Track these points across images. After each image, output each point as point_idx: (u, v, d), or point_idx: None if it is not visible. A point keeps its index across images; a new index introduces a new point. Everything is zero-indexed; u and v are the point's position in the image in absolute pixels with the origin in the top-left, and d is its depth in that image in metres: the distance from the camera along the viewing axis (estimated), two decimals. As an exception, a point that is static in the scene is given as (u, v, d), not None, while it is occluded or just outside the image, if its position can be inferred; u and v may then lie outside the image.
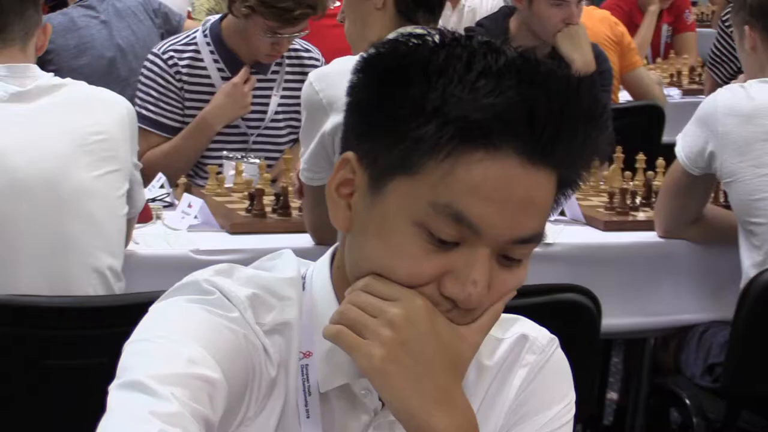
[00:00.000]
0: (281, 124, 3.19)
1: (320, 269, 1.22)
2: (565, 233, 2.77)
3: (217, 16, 3.40)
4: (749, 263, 2.63)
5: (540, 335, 1.38)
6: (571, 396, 1.42)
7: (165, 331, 1.10)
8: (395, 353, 1.12)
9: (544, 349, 1.35)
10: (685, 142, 2.70)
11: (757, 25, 2.69)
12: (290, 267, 1.25)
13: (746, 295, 2.54)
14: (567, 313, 2.42)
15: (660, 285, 2.89)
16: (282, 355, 1.19)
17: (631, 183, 3.07)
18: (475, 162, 1.04)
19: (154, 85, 3.27)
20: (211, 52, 3.21)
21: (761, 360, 2.62)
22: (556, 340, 1.36)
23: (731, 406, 2.65)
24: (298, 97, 2.58)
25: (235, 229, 2.62)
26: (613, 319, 2.59)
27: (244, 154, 3.11)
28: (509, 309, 1.22)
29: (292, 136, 3.18)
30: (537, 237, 1.14)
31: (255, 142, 3.17)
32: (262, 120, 3.14)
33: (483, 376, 1.31)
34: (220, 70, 3.26)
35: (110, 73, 3.80)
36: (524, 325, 1.37)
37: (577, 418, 2.52)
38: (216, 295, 1.16)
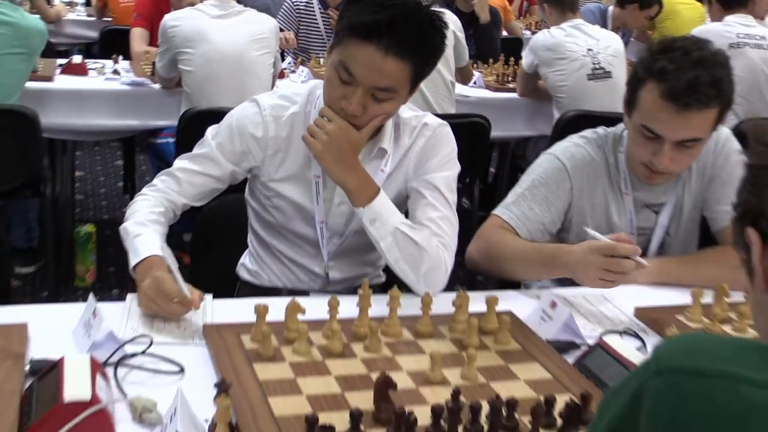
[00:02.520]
0: None
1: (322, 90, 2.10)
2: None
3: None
4: (556, 111, 4.74)
5: (435, 121, 2.22)
6: (454, 153, 2.23)
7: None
8: (327, 146, 2.03)
9: (437, 128, 2.20)
10: (526, 58, 4.86)
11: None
12: (305, 87, 2.24)
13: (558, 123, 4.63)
14: (473, 126, 4.23)
15: (515, 116, 5.08)
16: (293, 124, 2.18)
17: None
18: (355, 45, 1.94)
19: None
20: None
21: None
22: (446, 124, 2.20)
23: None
24: None
25: None
26: (495, 133, 4.48)
27: None
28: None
29: None
30: (392, 90, 2.00)
31: None
32: None
33: (402, 147, 2.21)
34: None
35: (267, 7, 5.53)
36: (427, 117, 2.23)
37: (473, 179, 4.54)
38: (254, 103, 2.20)
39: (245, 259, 2.48)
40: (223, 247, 2.58)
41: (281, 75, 4.82)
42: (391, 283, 2.34)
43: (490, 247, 2.34)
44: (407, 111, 2.26)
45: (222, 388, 1.48)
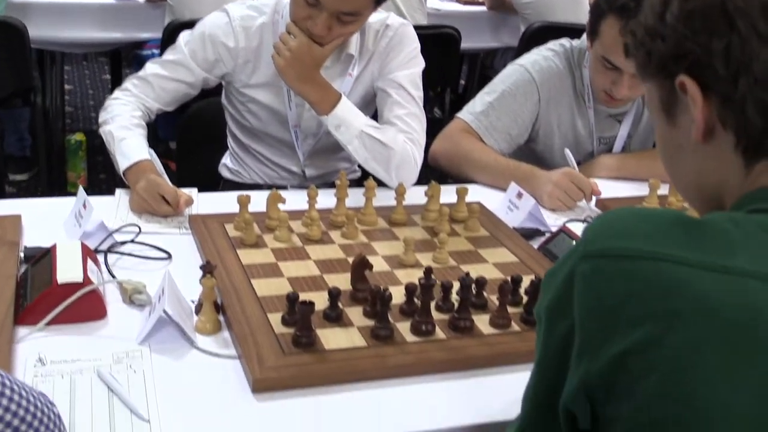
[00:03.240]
0: None
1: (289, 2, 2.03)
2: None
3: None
4: (522, 24, 4.66)
5: (397, 21, 2.16)
6: (417, 50, 2.19)
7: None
8: (290, 62, 1.99)
9: (398, 28, 2.15)
10: None
11: None
12: None
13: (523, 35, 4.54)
14: (445, 37, 4.07)
15: (483, 29, 4.90)
16: (263, 34, 2.12)
17: None
18: None
19: None
20: None
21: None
22: (408, 23, 2.15)
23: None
24: None
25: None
26: (464, 45, 4.31)
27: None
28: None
29: None
30: (357, 14, 1.96)
31: None
32: None
33: (367, 51, 2.16)
34: None
35: None
36: (389, 18, 2.16)
37: (444, 89, 4.53)
38: (224, 13, 2.12)
39: (226, 159, 2.45)
40: (206, 149, 2.55)
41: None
42: (366, 176, 2.34)
43: (459, 151, 2.32)
44: (372, 16, 2.20)
45: (207, 269, 1.47)
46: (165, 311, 1.39)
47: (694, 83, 0.95)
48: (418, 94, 2.19)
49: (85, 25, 4.20)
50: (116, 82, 5.28)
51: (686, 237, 0.86)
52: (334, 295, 1.46)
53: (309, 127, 2.25)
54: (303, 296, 1.44)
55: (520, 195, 2.02)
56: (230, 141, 2.41)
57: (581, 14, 4.72)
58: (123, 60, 5.33)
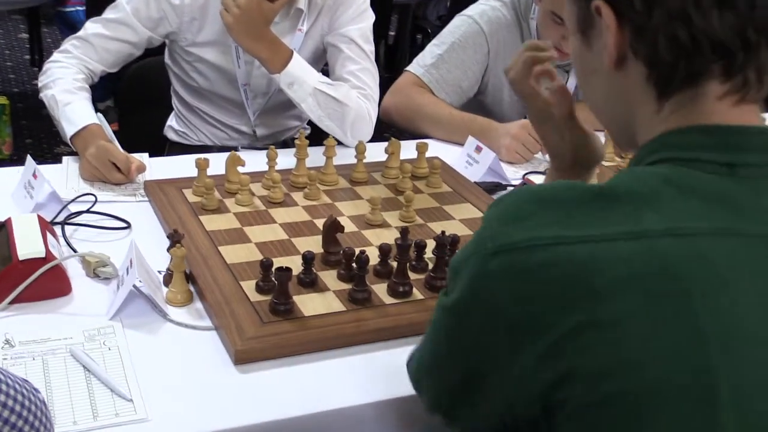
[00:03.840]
0: None
1: None
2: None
3: None
4: None
5: None
6: (367, 3, 2.14)
7: None
8: (239, 19, 1.94)
9: None
10: None
11: None
12: None
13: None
14: None
15: None
16: None
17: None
18: None
19: None
20: None
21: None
22: None
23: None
24: None
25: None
26: None
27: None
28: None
29: None
30: None
31: None
32: None
33: (316, 5, 2.10)
34: None
35: None
36: None
37: (377, 41, 4.43)
38: None
39: (172, 121, 2.37)
40: (149, 110, 2.47)
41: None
42: (316, 133, 2.29)
43: (411, 105, 2.29)
44: None
45: (175, 238, 1.42)
46: (135, 285, 1.33)
47: (609, 9, 0.94)
48: (370, 48, 2.15)
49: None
50: (34, 40, 5.08)
51: (591, 212, 0.86)
52: (309, 259, 1.43)
53: (259, 86, 2.19)
54: (275, 262, 1.40)
55: (479, 149, 2.00)
56: (175, 102, 2.34)
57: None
58: (42, 18, 5.13)
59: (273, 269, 1.38)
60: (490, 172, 1.97)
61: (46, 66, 2.04)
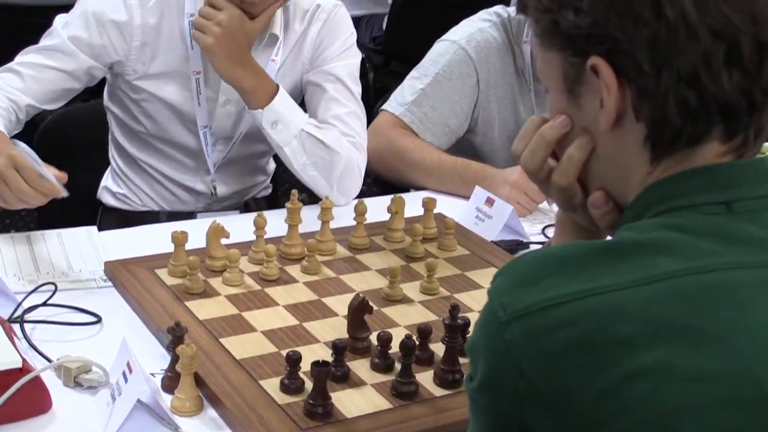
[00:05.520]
0: None
1: None
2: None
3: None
4: None
5: (329, 3, 2.11)
6: (354, 38, 2.17)
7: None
8: (221, 40, 1.89)
9: (332, 10, 2.13)
10: None
11: None
12: None
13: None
14: None
15: None
16: (167, 10, 2.00)
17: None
18: None
19: None
20: None
21: (407, 32, 4.34)
22: (342, 5, 2.11)
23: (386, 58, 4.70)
24: None
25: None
26: None
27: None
28: None
29: None
30: None
31: None
32: None
33: (294, 33, 2.09)
34: None
35: None
36: None
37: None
38: None
39: (107, 180, 2.32)
40: (73, 167, 2.40)
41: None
42: (278, 193, 2.28)
43: (393, 151, 2.29)
44: None
45: (178, 333, 1.40)
46: (140, 399, 1.30)
47: (610, 69, 0.99)
48: (357, 89, 2.16)
49: None
50: None
51: (603, 265, 0.93)
52: (340, 348, 1.42)
53: (222, 129, 2.15)
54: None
55: (490, 201, 2.02)
56: (114, 156, 2.28)
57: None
58: None
59: (301, 363, 1.36)
60: (506, 229, 1.99)
61: None
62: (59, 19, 2.06)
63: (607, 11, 0.98)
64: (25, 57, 2.03)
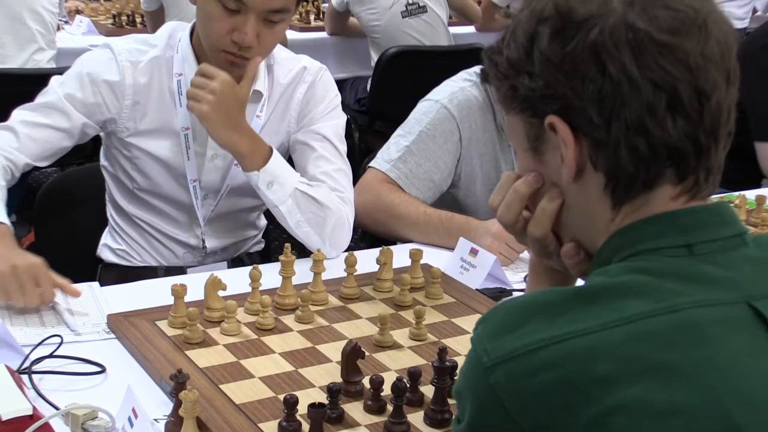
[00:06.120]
0: None
1: (186, 31, 2.09)
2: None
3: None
4: (373, 51, 4.88)
5: (314, 65, 2.23)
6: (339, 99, 2.24)
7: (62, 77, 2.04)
8: (216, 107, 1.94)
9: (318, 72, 2.22)
10: None
11: None
12: (163, 30, 2.13)
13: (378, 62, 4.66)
14: None
15: (325, 58, 5.10)
16: (156, 70, 2.08)
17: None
18: None
19: None
20: None
21: (390, 93, 4.50)
22: (326, 68, 2.23)
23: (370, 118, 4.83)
24: None
25: None
26: None
27: None
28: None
29: None
30: (285, 10, 1.96)
31: None
32: None
33: (277, 91, 2.16)
34: None
35: None
36: (304, 60, 2.22)
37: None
38: (107, 48, 2.07)
39: (106, 238, 2.37)
40: (73, 226, 2.47)
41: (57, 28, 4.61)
42: (270, 248, 2.33)
43: (380, 206, 2.35)
44: (281, 51, 2.22)
45: (180, 379, 1.45)
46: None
47: (565, 125, 1.07)
48: (343, 147, 2.23)
49: None
50: None
51: (577, 310, 1.00)
52: (335, 391, 1.47)
53: (211, 183, 2.20)
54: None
55: (474, 252, 2.08)
56: (111, 213, 2.33)
57: (438, 37, 4.93)
58: None
59: (297, 406, 1.41)
60: (490, 277, 2.05)
61: None
62: (55, 79, 2.14)
63: (556, 73, 1.05)
64: (21, 115, 2.09)
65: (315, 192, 2.09)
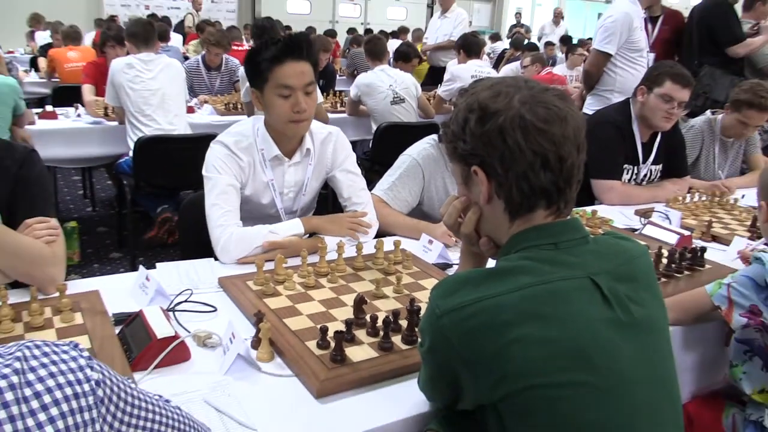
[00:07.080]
0: None
1: (261, 122, 1.97)
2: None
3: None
4: (373, 124, 4.92)
5: (335, 130, 2.13)
6: (351, 149, 2.18)
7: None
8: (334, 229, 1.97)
9: (337, 134, 2.13)
10: (352, 91, 4.82)
11: None
12: (247, 123, 2.00)
13: (376, 131, 4.84)
14: None
15: (346, 127, 5.04)
16: (251, 151, 1.95)
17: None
18: (279, 68, 1.83)
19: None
20: None
21: (384, 149, 4.85)
22: (340, 130, 2.13)
23: (371, 164, 4.76)
24: None
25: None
26: None
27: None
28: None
29: None
30: (312, 82, 1.87)
31: None
32: None
33: (317, 147, 2.07)
34: None
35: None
36: (328, 128, 2.11)
37: None
38: (220, 145, 1.92)
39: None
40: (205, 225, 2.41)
41: (190, 110, 4.56)
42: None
43: (379, 217, 2.30)
44: (316, 124, 2.15)
45: (260, 317, 1.43)
46: (240, 353, 1.33)
47: (482, 172, 1.08)
48: (359, 171, 2.20)
49: (78, 144, 3.94)
50: (86, 181, 4.96)
51: (491, 282, 0.99)
52: (350, 324, 1.45)
53: (287, 206, 2.16)
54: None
55: (430, 242, 2.06)
56: None
57: (411, 117, 4.92)
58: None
59: (328, 332, 1.39)
60: (440, 257, 2.03)
61: (230, 232, 1.91)
62: (206, 172, 1.98)
63: (478, 142, 1.05)
64: (222, 189, 1.95)
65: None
